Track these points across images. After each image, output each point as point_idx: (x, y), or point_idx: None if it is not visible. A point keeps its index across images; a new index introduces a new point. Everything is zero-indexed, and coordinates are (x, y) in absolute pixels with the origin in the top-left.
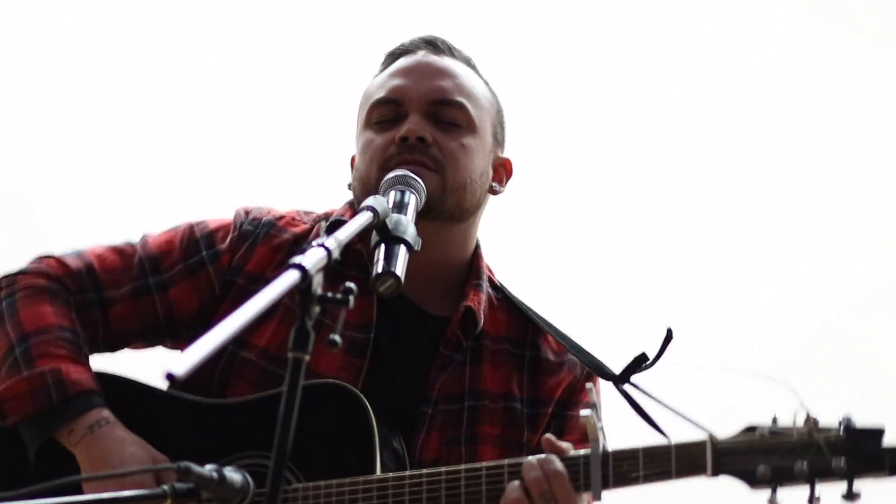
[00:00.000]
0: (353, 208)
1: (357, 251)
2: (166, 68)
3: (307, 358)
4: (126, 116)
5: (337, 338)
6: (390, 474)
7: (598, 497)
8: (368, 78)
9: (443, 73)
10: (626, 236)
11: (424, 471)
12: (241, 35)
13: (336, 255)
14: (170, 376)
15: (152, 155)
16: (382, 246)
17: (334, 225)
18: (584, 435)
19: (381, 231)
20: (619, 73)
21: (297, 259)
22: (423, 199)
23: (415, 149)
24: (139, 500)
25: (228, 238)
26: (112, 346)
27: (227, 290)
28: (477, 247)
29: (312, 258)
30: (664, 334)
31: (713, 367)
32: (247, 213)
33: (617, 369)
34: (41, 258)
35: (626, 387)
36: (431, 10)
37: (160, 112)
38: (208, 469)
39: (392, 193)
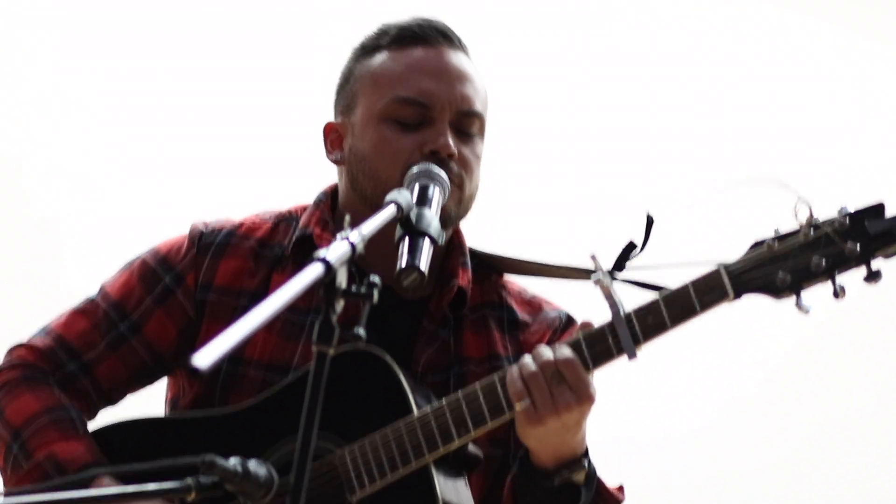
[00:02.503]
0: (327, 202)
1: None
2: (163, 70)
3: (331, 352)
4: (122, 115)
5: (362, 331)
6: (427, 408)
7: (633, 356)
8: None
9: (466, 77)
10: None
11: (459, 392)
12: (238, 37)
13: (360, 249)
14: (195, 370)
15: (148, 155)
16: (406, 239)
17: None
18: None
19: (405, 225)
20: (618, 67)
21: (320, 253)
22: (448, 193)
23: (444, 164)
24: (164, 493)
25: (188, 256)
26: (111, 401)
27: (201, 310)
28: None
29: (336, 252)
30: (645, 220)
31: (700, 194)
32: (205, 225)
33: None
34: (10, 351)
35: (625, 274)
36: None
37: (154, 111)
38: (232, 462)
39: (416, 186)
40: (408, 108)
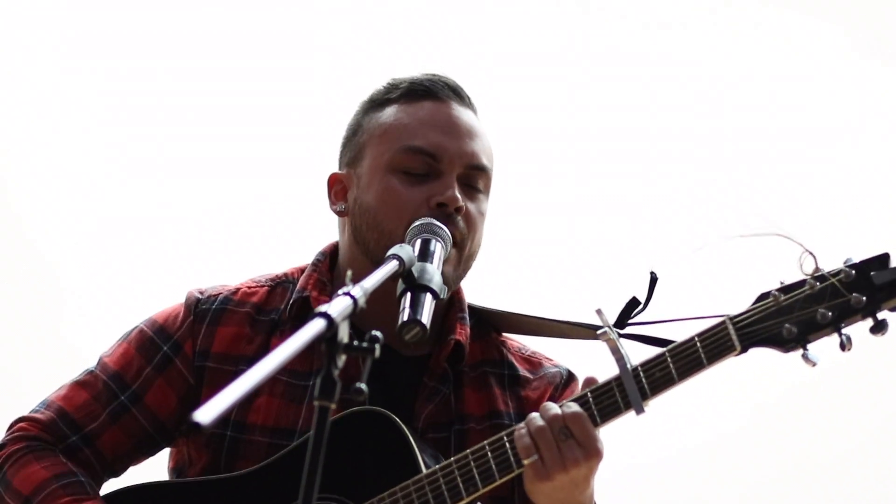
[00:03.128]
0: (325, 262)
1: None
2: (162, 70)
3: (333, 406)
4: (121, 116)
5: (363, 386)
6: (436, 466)
7: (640, 411)
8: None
9: (475, 133)
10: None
11: (468, 451)
12: (238, 37)
13: (362, 303)
14: (196, 425)
15: (147, 156)
16: (408, 294)
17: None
18: None
19: (407, 280)
20: (619, 72)
21: (322, 308)
22: (449, 248)
23: (450, 219)
24: None
25: (185, 324)
26: (114, 473)
27: (200, 377)
28: None
29: (338, 306)
30: (648, 278)
31: (705, 244)
32: (200, 292)
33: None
34: (11, 425)
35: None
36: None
37: (153, 111)
38: None
39: (418, 242)
40: (416, 158)
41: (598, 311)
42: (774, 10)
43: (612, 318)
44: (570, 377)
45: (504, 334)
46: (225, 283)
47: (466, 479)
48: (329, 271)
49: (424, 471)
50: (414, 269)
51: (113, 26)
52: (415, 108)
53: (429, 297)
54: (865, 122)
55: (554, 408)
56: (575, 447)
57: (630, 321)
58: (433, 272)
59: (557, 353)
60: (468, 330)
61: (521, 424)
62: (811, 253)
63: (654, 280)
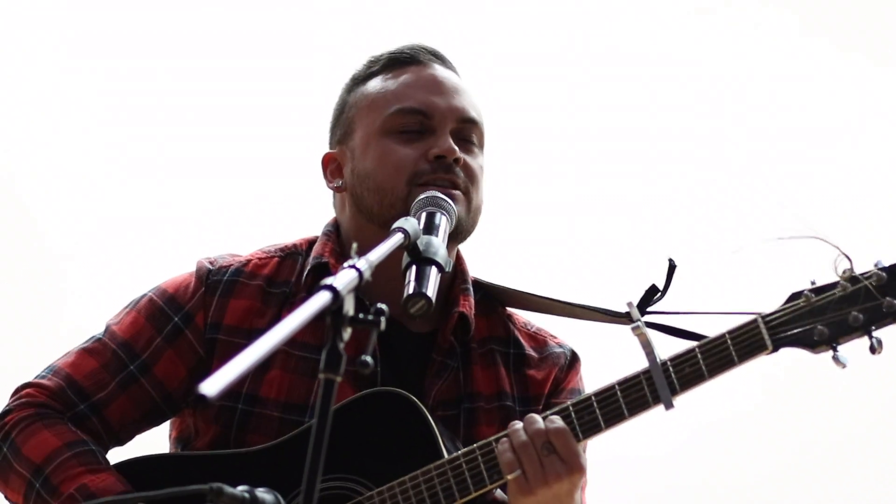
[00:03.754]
0: (335, 233)
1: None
2: (162, 70)
3: (339, 379)
4: (121, 116)
5: (368, 359)
6: (460, 452)
7: (669, 406)
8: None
9: (461, 90)
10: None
11: (492, 438)
12: (239, 37)
13: (367, 276)
14: (202, 398)
15: (147, 155)
16: (414, 267)
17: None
18: None
19: (413, 252)
20: (616, 80)
21: (327, 280)
22: (454, 222)
23: (450, 169)
24: None
25: (196, 295)
26: (120, 441)
27: (211, 349)
28: (458, 256)
29: (344, 279)
30: (668, 264)
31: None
32: (211, 263)
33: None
34: (17, 390)
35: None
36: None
37: (153, 111)
38: (240, 490)
39: (423, 215)
40: (408, 118)
41: (629, 304)
42: (774, 9)
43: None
44: (574, 358)
45: (509, 309)
46: (234, 253)
47: (489, 465)
48: (338, 242)
49: (446, 455)
50: (419, 243)
51: (113, 26)
52: (398, 74)
53: (434, 270)
54: (864, 122)
55: (538, 422)
56: (557, 462)
57: (649, 309)
58: (438, 245)
59: (563, 332)
60: (472, 301)
61: (504, 438)
62: (847, 256)
63: (672, 268)
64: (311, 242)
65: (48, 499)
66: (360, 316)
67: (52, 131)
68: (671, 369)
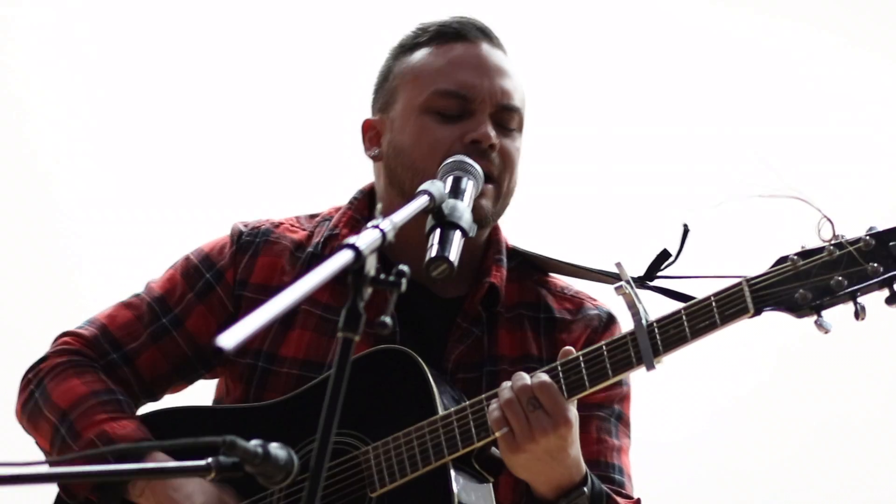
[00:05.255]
0: (362, 199)
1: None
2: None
3: (357, 339)
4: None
5: (388, 320)
6: (451, 410)
7: (651, 367)
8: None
9: (506, 73)
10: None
11: (483, 396)
12: (243, 37)
13: (391, 237)
14: (219, 350)
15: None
16: (437, 231)
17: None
18: (608, 386)
19: (437, 216)
20: (616, 75)
21: (350, 239)
22: (481, 186)
23: (485, 154)
24: (184, 472)
25: (228, 254)
26: (151, 395)
27: (238, 306)
28: (495, 225)
29: (367, 239)
30: (681, 230)
31: (720, 203)
32: (245, 224)
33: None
34: (56, 339)
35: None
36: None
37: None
38: (253, 444)
39: (450, 178)
40: (448, 100)
41: (618, 265)
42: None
43: (639, 271)
44: (611, 320)
45: (550, 274)
46: (269, 217)
47: (479, 423)
48: (367, 209)
49: (441, 412)
50: (444, 206)
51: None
52: (445, 50)
53: (458, 234)
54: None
55: (524, 378)
56: (544, 417)
57: (659, 274)
58: (464, 210)
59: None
60: (504, 272)
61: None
62: (829, 219)
63: (685, 232)
64: (341, 213)
65: (71, 443)
66: (382, 276)
67: (86, 128)
68: (656, 331)
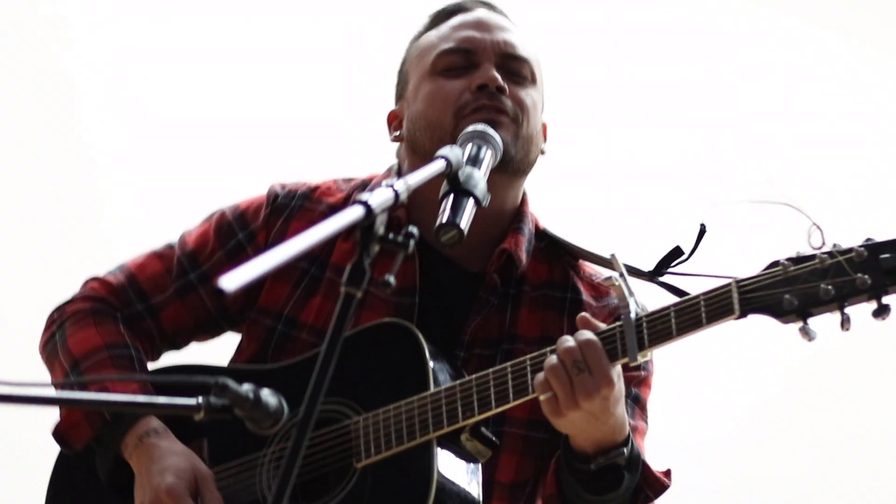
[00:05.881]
0: (398, 171)
1: (395, 216)
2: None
3: (359, 294)
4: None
5: (391, 279)
6: (442, 387)
7: (633, 359)
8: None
9: (508, 29)
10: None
11: (473, 376)
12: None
13: (404, 198)
14: (220, 291)
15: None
16: (451, 197)
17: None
18: (626, 369)
19: (452, 182)
20: (615, 68)
21: (363, 196)
22: (499, 156)
23: (494, 97)
24: (173, 409)
25: (262, 215)
26: (174, 346)
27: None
28: (524, 199)
29: (379, 198)
30: (697, 229)
31: (715, 204)
32: (282, 186)
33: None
34: (85, 283)
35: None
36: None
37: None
38: (245, 388)
39: (469, 146)
40: (452, 56)
41: (612, 256)
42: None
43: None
44: None
45: (581, 261)
46: (308, 181)
47: (465, 403)
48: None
49: (432, 388)
50: (460, 173)
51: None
52: (446, 24)
53: (471, 201)
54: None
55: (568, 340)
56: (587, 379)
57: (669, 270)
58: (479, 179)
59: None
60: (522, 240)
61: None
62: (818, 227)
63: (702, 232)
64: (380, 177)
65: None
66: (391, 236)
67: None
68: (644, 325)
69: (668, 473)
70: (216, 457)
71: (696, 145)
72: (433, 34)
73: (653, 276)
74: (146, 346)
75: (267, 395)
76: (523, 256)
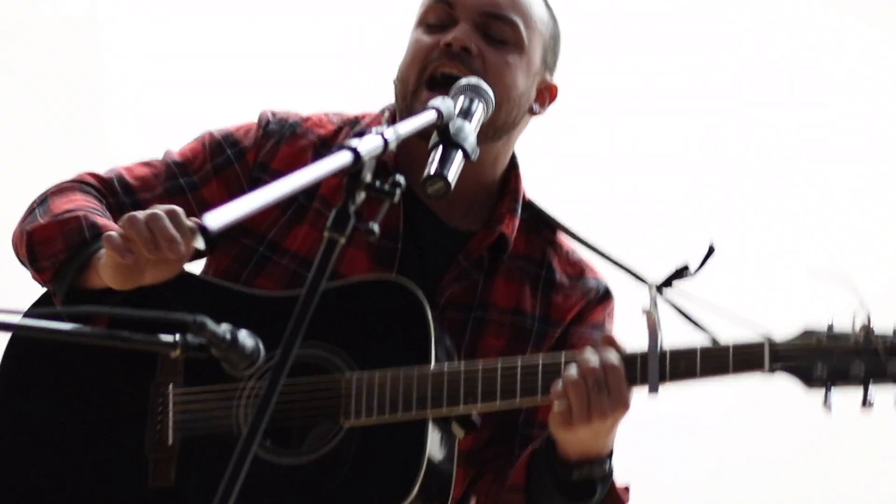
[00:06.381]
0: (394, 111)
1: (383, 163)
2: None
3: (343, 240)
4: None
5: (375, 226)
6: (446, 365)
7: (654, 390)
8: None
9: None
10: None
11: (480, 362)
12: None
13: (393, 146)
14: (203, 228)
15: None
16: (440, 148)
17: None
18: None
19: (442, 133)
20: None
21: (352, 142)
22: (491, 111)
23: (457, 57)
24: (150, 345)
25: (253, 136)
26: None
27: (254, 187)
28: (514, 166)
29: (368, 145)
30: (707, 247)
31: (765, 262)
32: (273, 113)
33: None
34: (76, 175)
35: (667, 293)
36: None
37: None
38: (223, 328)
39: (461, 98)
40: (435, 8)
41: (649, 287)
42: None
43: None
44: (607, 294)
45: (559, 234)
46: (297, 111)
47: (469, 391)
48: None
49: (433, 363)
50: (451, 125)
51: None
52: None
53: (459, 154)
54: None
55: (592, 359)
56: (605, 400)
57: (673, 286)
58: (469, 132)
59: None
60: (517, 222)
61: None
62: (866, 309)
63: (710, 252)
64: (373, 116)
65: (51, 217)
66: (377, 184)
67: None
68: (668, 359)
69: (627, 490)
70: (191, 377)
71: (701, 134)
72: None
73: (658, 287)
74: None
75: (244, 336)
76: (513, 241)
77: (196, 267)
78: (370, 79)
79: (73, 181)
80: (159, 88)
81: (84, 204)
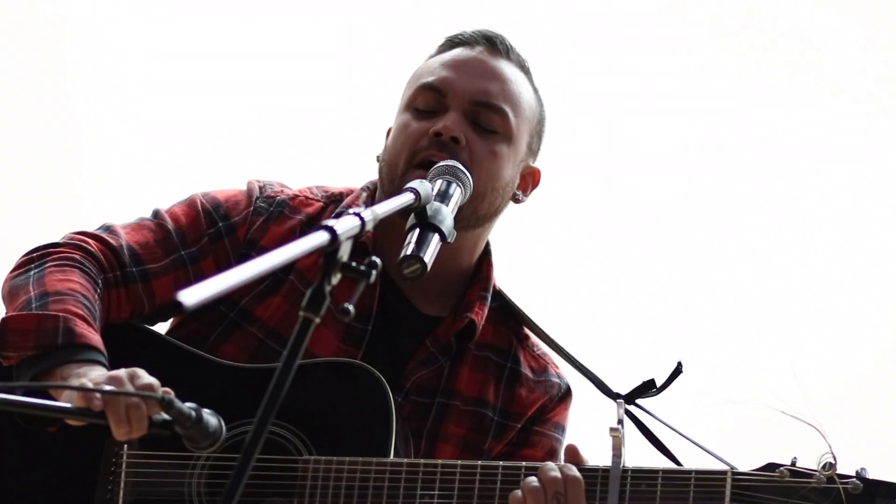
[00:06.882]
0: (373, 190)
1: (362, 243)
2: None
3: (317, 320)
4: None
5: (350, 307)
6: (405, 460)
7: None
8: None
9: (493, 74)
10: (640, 251)
11: (440, 461)
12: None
13: (370, 227)
14: (178, 304)
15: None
16: (416, 230)
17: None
18: (548, 452)
19: (420, 216)
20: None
21: (329, 222)
22: (468, 195)
23: (445, 147)
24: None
25: (244, 212)
26: (152, 321)
27: (241, 262)
28: (487, 253)
29: (345, 225)
30: (674, 366)
31: (733, 399)
32: (261, 188)
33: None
34: (77, 233)
35: (632, 409)
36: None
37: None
38: (188, 407)
39: (439, 182)
40: (426, 94)
41: (619, 404)
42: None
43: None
44: (568, 393)
45: (526, 329)
46: (283, 184)
47: (427, 485)
48: (373, 199)
49: (392, 454)
50: (428, 207)
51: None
52: (443, 55)
53: (436, 237)
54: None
55: (553, 469)
56: None
57: (638, 401)
58: (446, 215)
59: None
60: (486, 311)
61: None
62: (833, 456)
63: (677, 371)
64: (355, 195)
65: (34, 309)
66: (353, 264)
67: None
68: (629, 480)
69: None
70: (147, 441)
71: (697, 136)
72: (430, 62)
73: (625, 401)
74: (130, 312)
75: (208, 415)
76: (480, 329)
77: (163, 325)
78: (370, 79)
79: (77, 250)
80: (159, 88)
81: (76, 291)
